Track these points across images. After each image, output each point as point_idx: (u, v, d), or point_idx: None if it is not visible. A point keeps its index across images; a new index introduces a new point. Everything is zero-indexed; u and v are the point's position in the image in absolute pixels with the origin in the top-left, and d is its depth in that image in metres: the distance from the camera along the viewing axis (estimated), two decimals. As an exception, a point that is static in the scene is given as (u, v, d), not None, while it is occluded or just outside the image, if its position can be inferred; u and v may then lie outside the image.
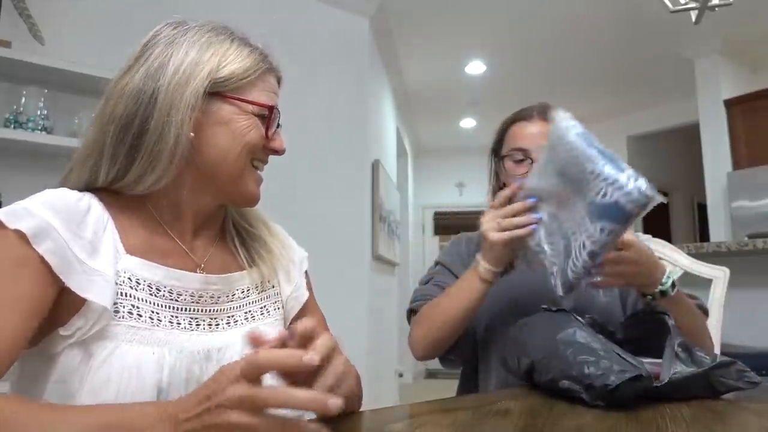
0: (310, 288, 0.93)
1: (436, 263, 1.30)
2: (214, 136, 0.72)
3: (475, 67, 4.88)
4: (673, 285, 0.97)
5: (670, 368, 0.78)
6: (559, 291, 0.90)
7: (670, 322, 0.87)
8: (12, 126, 2.10)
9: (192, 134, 0.71)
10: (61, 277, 0.62)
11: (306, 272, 0.92)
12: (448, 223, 7.33)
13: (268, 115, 0.75)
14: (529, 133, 1.20)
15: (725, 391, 0.79)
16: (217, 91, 0.72)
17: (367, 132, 3.53)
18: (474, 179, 7.00)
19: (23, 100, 2.14)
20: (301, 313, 0.88)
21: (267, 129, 0.75)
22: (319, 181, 3.07)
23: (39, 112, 2.15)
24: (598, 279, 0.93)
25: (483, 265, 1.03)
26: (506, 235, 0.97)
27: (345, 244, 3.18)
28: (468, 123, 6.49)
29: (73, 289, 0.62)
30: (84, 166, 0.73)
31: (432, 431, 0.65)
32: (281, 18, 3.07)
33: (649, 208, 0.80)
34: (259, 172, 0.78)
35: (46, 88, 2.18)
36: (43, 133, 2.14)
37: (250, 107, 0.73)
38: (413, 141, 7.02)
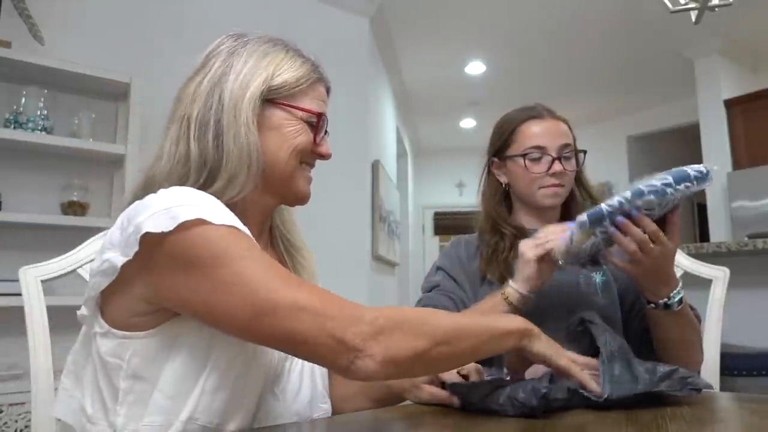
0: None
1: (437, 268, 1.27)
2: (266, 141, 0.77)
3: (475, 67, 4.88)
4: (680, 301, 0.96)
5: (608, 386, 0.74)
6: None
7: (598, 335, 0.83)
8: (12, 126, 2.10)
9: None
10: None
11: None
12: (448, 223, 7.33)
13: (316, 122, 0.80)
14: (545, 131, 1.19)
15: (673, 399, 0.77)
16: (271, 98, 0.77)
17: (367, 132, 3.53)
18: (474, 179, 6.90)
19: (23, 100, 2.14)
20: None
21: (315, 135, 0.80)
22: (319, 181, 3.06)
23: (39, 112, 2.15)
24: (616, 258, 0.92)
25: (512, 286, 1.00)
26: (540, 249, 0.97)
27: (345, 244, 3.18)
28: (468, 123, 6.49)
29: None
30: (172, 169, 0.75)
31: (432, 431, 0.65)
32: (281, 18, 3.07)
33: (708, 180, 0.85)
34: (307, 173, 0.83)
35: (46, 88, 2.18)
36: (43, 133, 2.14)
37: (300, 113, 0.78)
38: (413, 141, 7.02)
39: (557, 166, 1.17)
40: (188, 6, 2.68)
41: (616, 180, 6.10)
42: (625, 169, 6.07)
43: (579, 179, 1.26)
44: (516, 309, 0.99)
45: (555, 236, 0.96)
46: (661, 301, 0.95)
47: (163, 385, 0.65)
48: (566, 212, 1.26)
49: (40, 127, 2.13)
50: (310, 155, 0.82)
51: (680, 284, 0.97)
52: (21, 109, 2.13)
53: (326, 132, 0.84)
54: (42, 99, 2.17)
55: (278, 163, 0.78)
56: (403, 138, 5.99)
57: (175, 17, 2.64)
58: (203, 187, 0.74)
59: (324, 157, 0.83)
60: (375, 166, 3.72)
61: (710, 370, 1.21)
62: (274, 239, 0.89)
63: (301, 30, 3.20)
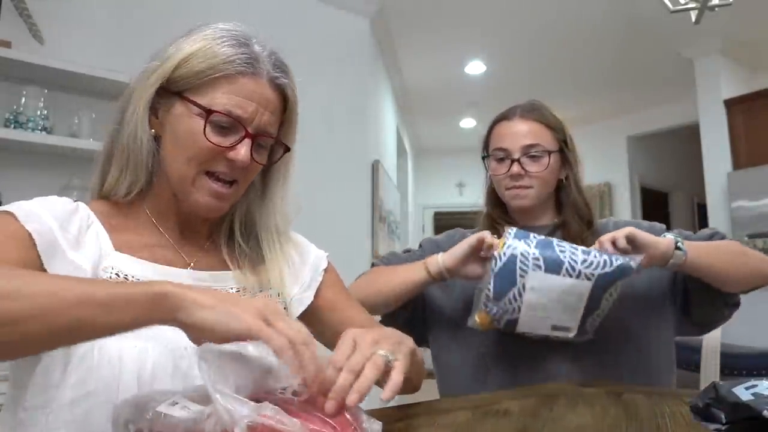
0: (336, 284, 0.92)
1: (421, 245, 1.30)
2: (167, 140, 0.72)
3: (475, 67, 4.88)
4: (682, 250, 0.97)
5: None
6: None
7: None
8: (12, 126, 2.09)
9: (153, 131, 0.72)
10: (42, 257, 0.62)
11: (328, 271, 0.90)
12: (448, 223, 7.29)
13: (228, 122, 0.69)
14: (509, 132, 1.20)
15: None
16: (178, 90, 0.70)
17: (367, 132, 3.53)
18: (474, 179, 6.96)
19: (23, 100, 2.14)
20: (324, 310, 0.87)
21: (224, 136, 0.70)
22: (319, 181, 3.07)
23: (39, 112, 2.15)
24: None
25: (440, 257, 1.04)
26: (488, 239, 1.00)
27: (345, 244, 3.18)
28: (468, 123, 6.49)
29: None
30: (95, 173, 0.77)
31: None
32: (281, 18, 3.06)
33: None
34: (215, 183, 0.71)
35: (46, 88, 2.18)
36: (43, 133, 2.14)
37: (199, 110, 0.69)
38: (413, 141, 7.02)
39: (515, 168, 1.17)
40: (189, 6, 2.68)
41: (616, 180, 6.10)
42: (626, 169, 6.07)
43: (572, 179, 1.24)
44: (430, 278, 1.05)
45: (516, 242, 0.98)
46: (670, 264, 0.97)
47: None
48: (562, 216, 1.25)
49: (40, 127, 2.13)
50: (214, 162, 0.70)
51: (671, 236, 0.99)
52: (21, 109, 2.13)
53: (251, 135, 0.70)
54: (42, 99, 2.17)
55: (174, 167, 0.71)
56: (403, 138, 5.98)
57: (176, 17, 2.64)
58: (102, 180, 0.75)
59: (235, 163, 0.70)
60: (375, 166, 3.72)
61: (710, 370, 1.21)
62: (222, 235, 0.82)
63: (301, 30, 3.22)
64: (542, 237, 0.96)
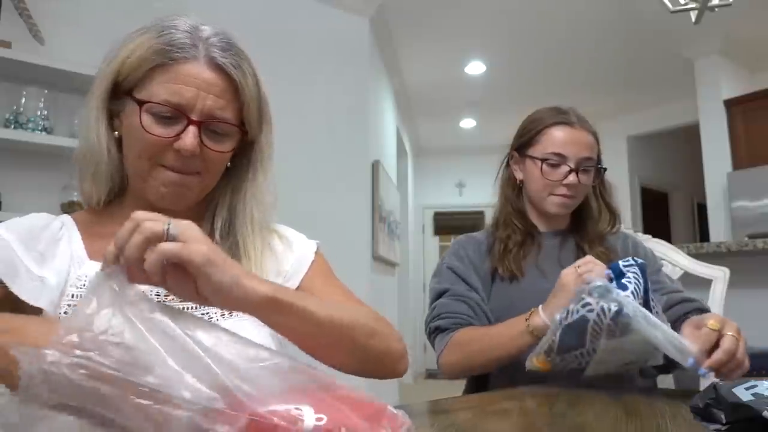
0: (319, 274, 0.86)
1: (446, 268, 1.22)
2: (124, 140, 0.73)
3: (475, 67, 4.87)
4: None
5: None
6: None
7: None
8: (12, 126, 2.10)
9: (117, 134, 0.73)
10: (4, 280, 0.66)
11: (314, 261, 0.86)
12: (448, 223, 7.32)
13: (169, 112, 0.68)
14: (570, 139, 1.17)
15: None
16: (127, 89, 0.70)
17: (367, 132, 3.53)
18: (474, 179, 6.99)
19: (23, 100, 2.14)
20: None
21: (169, 127, 0.68)
22: (319, 181, 3.07)
23: (39, 112, 2.15)
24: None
25: (542, 314, 0.96)
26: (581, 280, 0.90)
27: (345, 244, 3.18)
28: (468, 123, 6.48)
29: (15, 293, 0.66)
30: (78, 185, 0.80)
31: None
32: (281, 18, 3.06)
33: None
34: (169, 172, 0.70)
35: (46, 88, 2.18)
36: (43, 133, 2.14)
37: (145, 104, 0.68)
38: (413, 141, 7.02)
39: (572, 178, 1.16)
40: (188, 6, 2.68)
41: (616, 180, 6.09)
42: (625, 169, 6.07)
43: (600, 192, 1.26)
44: (537, 340, 0.94)
45: (599, 269, 0.91)
46: None
47: None
48: (577, 220, 1.26)
49: (40, 127, 2.13)
50: (164, 155, 0.69)
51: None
52: (21, 109, 2.13)
53: (195, 122, 0.68)
54: (42, 99, 2.17)
55: (131, 164, 0.72)
56: (403, 138, 5.98)
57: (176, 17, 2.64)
58: (82, 189, 0.76)
59: (180, 153, 0.68)
60: (375, 166, 3.72)
61: (710, 370, 1.21)
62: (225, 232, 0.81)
63: (301, 30, 3.22)
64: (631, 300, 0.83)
